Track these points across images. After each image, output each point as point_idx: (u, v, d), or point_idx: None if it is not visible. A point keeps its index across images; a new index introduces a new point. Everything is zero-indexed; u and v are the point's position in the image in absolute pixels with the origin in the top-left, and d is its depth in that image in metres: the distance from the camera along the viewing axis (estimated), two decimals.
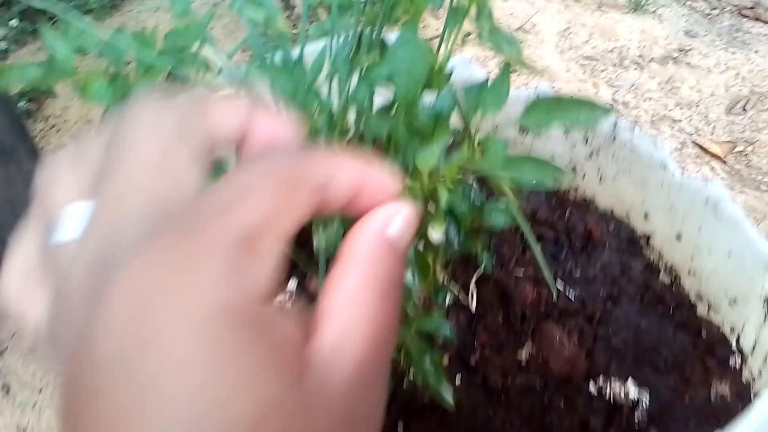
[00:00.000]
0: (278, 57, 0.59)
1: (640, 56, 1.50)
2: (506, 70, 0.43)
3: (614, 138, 0.61)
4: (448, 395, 0.38)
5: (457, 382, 0.55)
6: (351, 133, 0.51)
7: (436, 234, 0.34)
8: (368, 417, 0.18)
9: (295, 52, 0.60)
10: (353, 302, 0.19)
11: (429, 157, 0.34)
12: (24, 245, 0.22)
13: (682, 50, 1.52)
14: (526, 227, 0.52)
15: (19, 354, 0.92)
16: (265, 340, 0.16)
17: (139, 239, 0.17)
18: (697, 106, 1.39)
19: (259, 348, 0.16)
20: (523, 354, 0.57)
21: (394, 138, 0.39)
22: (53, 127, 1.34)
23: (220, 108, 0.22)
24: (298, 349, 0.18)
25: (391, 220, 0.21)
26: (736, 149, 1.30)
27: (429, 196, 0.36)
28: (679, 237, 0.58)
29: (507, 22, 1.54)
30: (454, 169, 0.34)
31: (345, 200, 0.20)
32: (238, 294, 0.16)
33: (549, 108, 0.39)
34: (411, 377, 0.52)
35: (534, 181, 0.31)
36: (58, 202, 0.21)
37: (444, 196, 0.33)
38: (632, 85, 1.42)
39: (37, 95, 1.36)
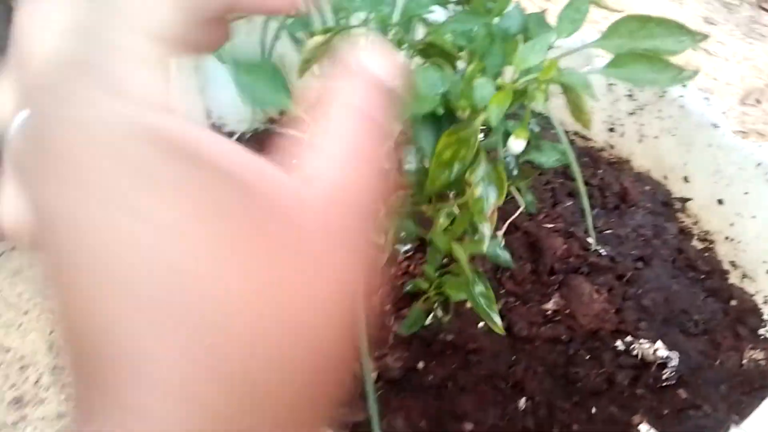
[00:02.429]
0: None
1: None
2: None
3: (663, 94, 0.59)
4: (497, 320, 0.36)
5: (480, 326, 0.53)
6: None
7: (517, 144, 0.32)
8: (334, 265, 0.16)
9: None
10: (338, 140, 0.17)
11: (529, 54, 0.31)
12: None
13: None
14: (575, 167, 0.50)
15: (5, 274, 0.88)
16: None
17: None
18: (712, 93, 1.38)
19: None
20: (550, 305, 0.55)
21: (473, 43, 0.36)
22: None
23: None
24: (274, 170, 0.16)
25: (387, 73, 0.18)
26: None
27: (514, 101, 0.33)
28: (721, 202, 0.57)
29: None
30: (552, 67, 0.31)
31: None
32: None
33: (632, 30, 0.36)
34: (437, 314, 0.50)
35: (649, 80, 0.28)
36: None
37: (540, 99, 0.30)
38: None
39: None
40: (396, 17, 0.43)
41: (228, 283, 0.14)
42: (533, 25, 0.44)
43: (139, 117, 0.15)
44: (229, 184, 0.15)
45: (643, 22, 0.37)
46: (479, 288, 0.37)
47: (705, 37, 0.37)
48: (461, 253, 0.36)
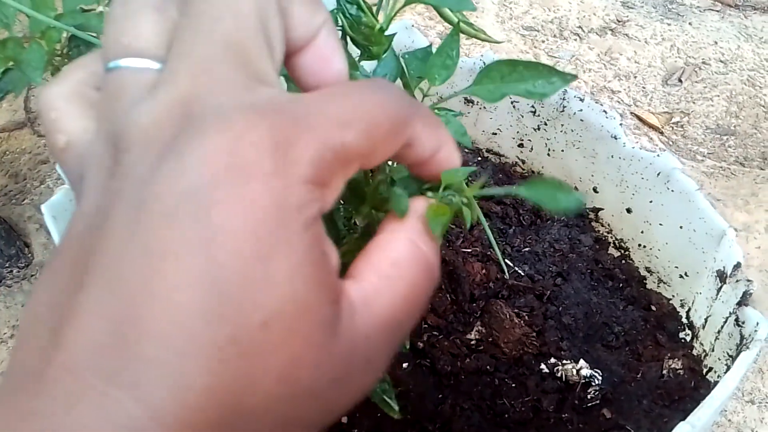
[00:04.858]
0: None
1: (580, 27, 1.50)
2: (455, 32, 0.40)
3: (563, 109, 0.59)
4: (394, 405, 0.35)
5: (405, 367, 0.52)
6: None
7: None
8: (363, 376, 0.18)
9: None
10: (397, 266, 0.19)
11: None
12: (83, 65, 0.21)
13: (620, 21, 1.53)
14: (484, 223, 0.49)
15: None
16: (315, 253, 0.17)
17: (232, 103, 0.17)
18: (635, 77, 1.40)
19: (308, 258, 0.16)
20: (473, 335, 0.55)
21: None
22: None
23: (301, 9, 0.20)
24: (337, 280, 0.18)
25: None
26: (673, 120, 1.31)
27: None
28: (629, 210, 0.57)
29: None
30: None
31: (420, 160, 0.21)
32: (311, 203, 0.17)
33: (503, 75, 0.36)
34: None
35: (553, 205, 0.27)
36: (136, 39, 0.19)
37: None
38: (572, 57, 1.42)
39: None
40: None
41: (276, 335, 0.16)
42: (415, 64, 0.44)
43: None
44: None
45: (513, 66, 0.36)
46: None
47: (575, 77, 0.37)
48: None
